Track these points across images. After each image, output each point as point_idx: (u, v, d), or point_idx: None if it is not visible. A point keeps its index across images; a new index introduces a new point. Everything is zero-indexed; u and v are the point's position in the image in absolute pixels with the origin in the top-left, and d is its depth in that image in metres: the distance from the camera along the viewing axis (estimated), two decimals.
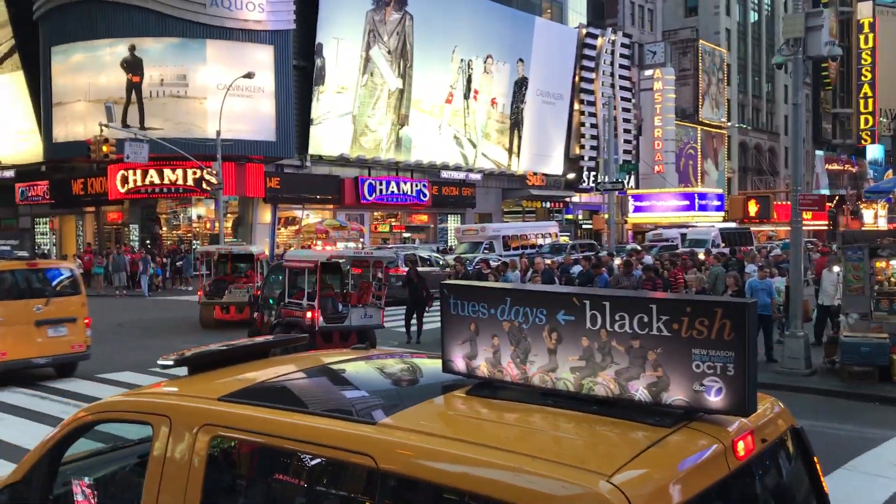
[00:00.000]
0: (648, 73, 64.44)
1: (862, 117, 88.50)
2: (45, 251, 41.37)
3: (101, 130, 29.91)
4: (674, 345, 3.01)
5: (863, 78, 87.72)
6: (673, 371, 3.03)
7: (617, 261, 22.82)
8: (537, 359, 3.33)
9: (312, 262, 15.46)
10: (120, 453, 4.57)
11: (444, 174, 47.85)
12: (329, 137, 41.59)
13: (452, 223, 49.83)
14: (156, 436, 3.49)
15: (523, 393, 3.35)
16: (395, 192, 44.37)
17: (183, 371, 4.10)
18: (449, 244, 46.62)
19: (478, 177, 49.98)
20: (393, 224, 47.32)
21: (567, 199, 57.88)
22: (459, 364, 3.58)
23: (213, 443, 3.40)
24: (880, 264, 13.32)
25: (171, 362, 3.96)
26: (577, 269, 19.51)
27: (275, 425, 3.25)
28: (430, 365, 4.27)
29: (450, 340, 3.60)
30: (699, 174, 69.37)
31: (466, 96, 48.65)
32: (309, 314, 15.16)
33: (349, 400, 3.71)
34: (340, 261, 15.76)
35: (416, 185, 45.54)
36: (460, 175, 48.83)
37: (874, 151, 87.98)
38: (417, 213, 48.44)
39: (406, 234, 47.25)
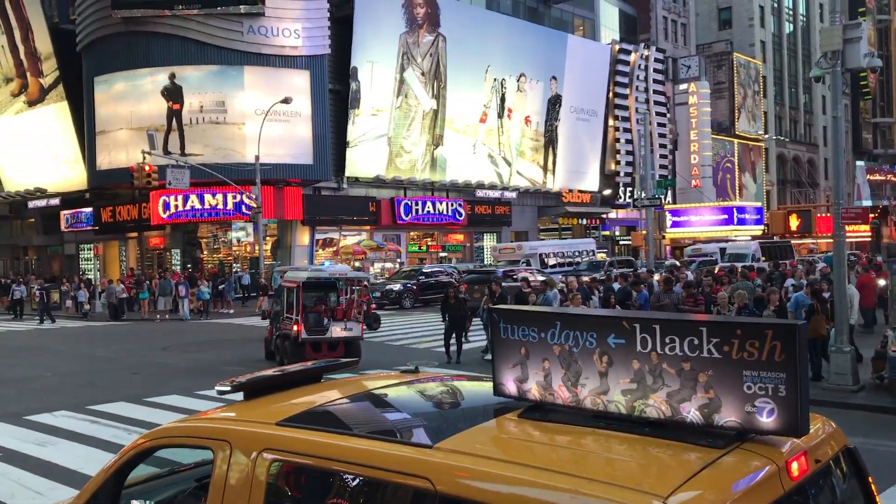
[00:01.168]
0: (683, 87, 64.10)
1: None
2: (90, 277, 42.22)
3: (144, 158, 30.58)
4: (725, 367, 3.05)
5: None
6: (724, 393, 3.06)
7: (656, 277, 22.69)
8: (588, 382, 3.38)
9: (295, 282, 17.38)
10: (178, 477, 4.69)
11: (480, 193, 47.98)
12: (365, 159, 41.98)
13: (488, 242, 49.87)
14: (216, 460, 3.59)
15: (575, 416, 3.40)
16: (431, 211, 44.58)
17: (238, 396, 4.21)
18: (485, 262, 46.64)
19: (513, 195, 50.02)
20: (429, 244, 47.49)
21: (604, 216, 57.62)
22: (510, 387, 3.63)
23: (273, 467, 3.49)
24: None
25: (227, 388, 4.08)
26: (615, 286, 19.42)
27: (333, 449, 3.34)
28: (477, 388, 4.33)
29: (501, 364, 3.66)
30: (737, 188, 68.63)
31: (500, 115, 48.83)
32: (294, 327, 17.03)
33: (403, 423, 3.78)
34: (321, 278, 17.77)
35: (452, 205, 45.71)
36: (495, 194, 48.92)
37: None
38: (453, 233, 48.57)
39: (442, 254, 47.38)
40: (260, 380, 4.26)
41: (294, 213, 39.26)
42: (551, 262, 39.62)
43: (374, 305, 24.85)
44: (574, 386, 3.42)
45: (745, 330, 3.02)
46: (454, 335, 17.57)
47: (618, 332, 3.31)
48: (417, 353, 19.09)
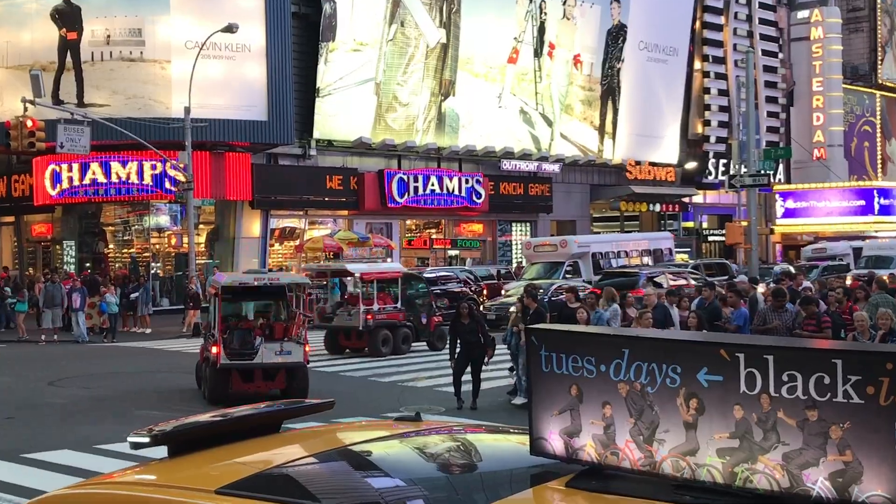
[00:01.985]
0: (803, 15, 64.11)
1: None
2: None
3: (25, 109, 30.68)
4: (869, 417, 3.03)
5: None
6: (867, 455, 3.04)
7: (761, 288, 22.60)
8: (669, 436, 3.36)
9: (214, 288, 18.30)
10: None
11: (507, 165, 48.00)
12: (343, 115, 42.04)
13: (519, 235, 49.89)
14: None
15: (649, 485, 3.38)
16: (437, 191, 44.64)
17: (160, 452, 4.20)
18: (514, 264, 46.66)
19: (555, 168, 50.06)
20: (434, 237, 47.53)
21: (686, 200, 57.63)
22: (555, 443, 3.62)
23: None
24: None
25: (145, 439, 4.07)
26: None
27: None
28: (504, 444, 4.31)
29: (541, 409, 3.65)
30: (879, 161, 68.54)
31: (538, 53, 48.81)
32: (213, 349, 17.94)
33: (395, 495, 3.77)
34: (242, 283, 18.92)
35: (467, 182, 45.77)
36: (530, 166, 48.95)
37: None
38: (468, 221, 48.58)
39: (453, 251, 47.43)
40: (192, 428, 4.25)
41: (240, 191, 39.38)
42: (622, 261, 39.77)
43: (439, 317, 25.80)
44: (648, 442, 3.41)
45: None
46: (469, 369, 17.58)
47: (713, 364, 3.30)
48: (415, 394, 19.08)
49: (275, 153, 41.10)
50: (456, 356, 17.58)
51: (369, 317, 24.87)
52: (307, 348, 18.59)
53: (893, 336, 13.52)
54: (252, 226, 40.91)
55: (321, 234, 42.12)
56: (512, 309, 20.84)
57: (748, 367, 3.20)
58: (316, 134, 41.51)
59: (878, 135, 68.71)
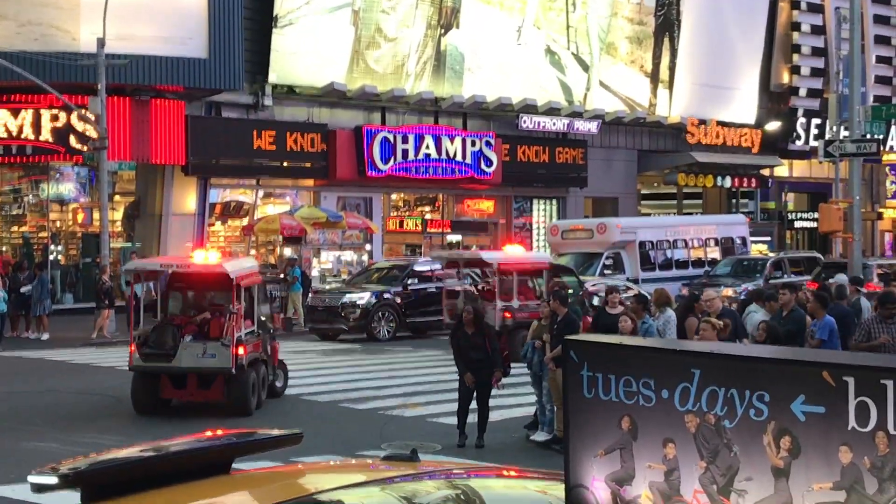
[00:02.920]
0: None
1: None
2: None
3: None
4: None
5: None
6: None
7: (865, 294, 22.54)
8: (752, 486, 3.38)
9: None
10: None
11: (526, 122, 47.92)
12: (309, 52, 41.96)
13: (543, 216, 49.87)
14: None
15: None
16: (433, 155, 44.59)
17: (71, 498, 4.21)
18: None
19: (592, 127, 50.03)
20: (428, 217, 47.48)
21: (765, 172, 57.60)
22: (599, 493, 3.64)
23: None
24: None
25: (51, 480, 4.08)
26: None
27: None
28: (520, 492, 4.34)
29: (581, 448, 3.66)
30: None
31: None
32: (130, 347, 19.84)
33: None
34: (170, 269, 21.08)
35: (473, 144, 45.73)
36: (558, 124, 48.91)
37: None
38: (474, 198, 48.52)
39: (454, 236, 47.35)
40: (112, 467, 4.26)
41: (170, 153, 39.39)
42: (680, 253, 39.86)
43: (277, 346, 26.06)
44: (725, 493, 3.43)
45: None
46: (475, 395, 17.56)
47: (813, 391, 3.32)
48: (404, 426, 19.10)
49: (217, 102, 40.97)
50: (460, 379, 17.56)
51: (506, 315, 25.54)
52: (239, 351, 19.42)
53: None
54: (185, 199, 40.83)
55: (278, 210, 42.03)
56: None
57: (860, 395, 3.21)
58: (272, 77, 41.36)
59: None
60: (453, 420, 17.80)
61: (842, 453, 3.25)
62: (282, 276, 36.61)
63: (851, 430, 3.24)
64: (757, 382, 3.38)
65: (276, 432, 4.89)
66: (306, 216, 39.08)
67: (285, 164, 41.99)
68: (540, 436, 17.18)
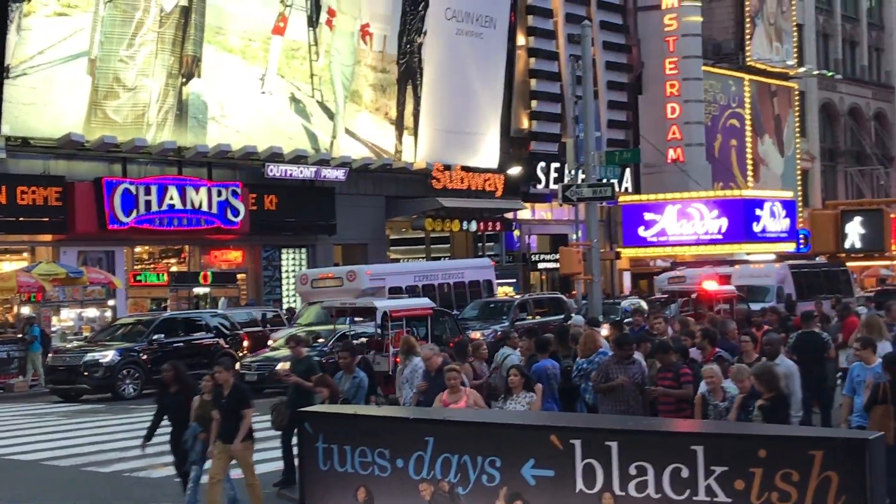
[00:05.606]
0: None
1: None
2: None
3: None
4: None
5: None
6: None
7: (605, 331, 23.08)
8: None
9: None
10: None
11: (274, 171, 47.60)
12: (44, 102, 40.98)
13: (292, 265, 49.63)
14: None
15: None
16: (178, 206, 43.89)
17: None
18: (285, 305, 46.30)
19: (339, 175, 50.00)
20: (175, 269, 46.73)
21: (509, 216, 58.52)
22: None
23: None
24: None
25: None
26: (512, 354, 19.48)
27: None
28: None
29: None
30: (749, 164, 71.33)
31: (314, 22, 48.74)
32: None
33: None
34: None
35: (219, 194, 45.22)
36: (305, 172, 48.72)
37: None
38: (222, 248, 47.99)
39: (200, 289, 46.69)
40: None
41: None
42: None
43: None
44: None
45: (773, 449, 3.09)
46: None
47: (542, 454, 3.33)
48: (153, 487, 18.82)
49: None
50: (170, 440, 17.05)
51: (398, 360, 25.53)
52: None
53: (754, 399, 13.79)
54: None
55: (14, 267, 40.82)
56: (280, 366, 20.67)
57: (587, 457, 3.24)
58: (5, 129, 40.09)
59: (748, 131, 71.19)
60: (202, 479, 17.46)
61: None
62: (20, 335, 35.56)
63: (579, 493, 3.28)
64: (489, 448, 3.39)
65: None
66: (45, 272, 38.00)
67: (20, 219, 40.67)
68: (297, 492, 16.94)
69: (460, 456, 3.42)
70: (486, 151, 56.66)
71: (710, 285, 37.23)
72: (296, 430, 14.61)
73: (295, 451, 16.15)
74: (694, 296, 35.95)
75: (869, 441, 3.07)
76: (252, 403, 15.65)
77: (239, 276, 48.18)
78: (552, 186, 57.02)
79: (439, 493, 3.46)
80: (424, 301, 32.00)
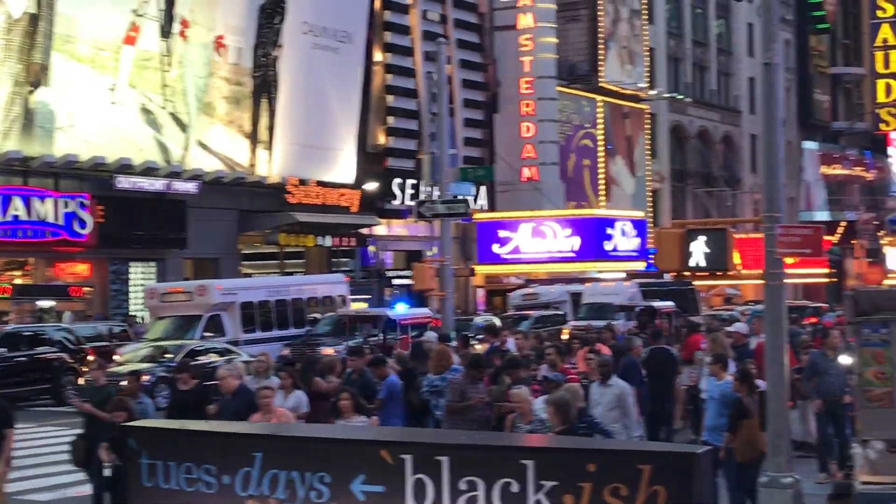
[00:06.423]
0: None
1: (881, 83, 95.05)
2: None
3: None
4: None
5: (881, 13, 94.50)
6: None
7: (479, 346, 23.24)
8: None
9: None
10: None
11: (124, 183, 46.93)
12: None
13: (141, 279, 48.98)
14: None
15: None
16: (22, 217, 43.10)
17: None
18: (135, 319, 45.75)
19: (191, 187, 49.48)
20: (17, 281, 45.83)
21: (365, 232, 58.50)
22: None
23: None
24: None
25: None
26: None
27: None
28: None
29: None
30: (602, 183, 72.20)
31: (167, 33, 48.25)
32: None
33: None
34: None
35: (66, 205, 44.47)
36: (156, 185, 48.13)
37: None
38: (68, 261, 47.18)
39: (45, 303, 45.77)
40: None
41: None
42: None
43: None
44: None
45: (603, 463, 3.09)
46: None
47: (373, 470, 3.30)
48: None
49: None
50: None
51: None
52: None
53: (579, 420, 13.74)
54: None
55: None
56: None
57: (417, 472, 3.21)
58: None
59: (601, 151, 71.98)
60: (46, 496, 17.21)
61: None
62: None
63: None
64: (318, 463, 3.35)
65: None
66: None
67: None
68: None
69: (289, 472, 3.37)
70: (342, 167, 56.60)
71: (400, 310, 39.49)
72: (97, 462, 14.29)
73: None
74: None
75: (696, 455, 3.08)
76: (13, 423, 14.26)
77: (85, 289, 47.29)
78: (408, 203, 57.20)
79: None
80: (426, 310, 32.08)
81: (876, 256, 75.49)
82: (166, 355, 31.42)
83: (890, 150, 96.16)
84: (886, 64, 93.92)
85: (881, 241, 74.00)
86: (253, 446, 3.47)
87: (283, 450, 3.43)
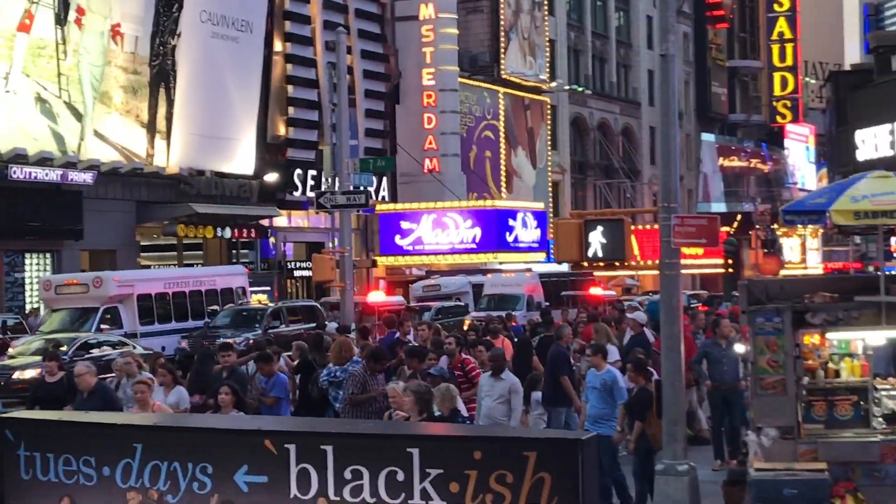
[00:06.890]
0: None
1: (777, 76, 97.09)
2: None
3: None
4: None
5: (777, 7, 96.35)
6: None
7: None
8: None
9: None
10: None
11: (18, 173, 46.22)
12: None
13: (36, 271, 48.37)
14: None
15: None
16: None
17: None
18: (28, 311, 45.21)
19: (87, 178, 48.91)
20: None
21: (265, 223, 58.24)
22: None
23: None
24: (810, 339, 14.49)
25: None
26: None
27: None
28: None
29: None
30: (503, 175, 72.59)
31: (62, 20, 47.65)
32: None
33: None
34: None
35: None
36: (51, 175, 47.51)
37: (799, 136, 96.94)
38: None
39: None
40: None
41: None
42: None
43: None
44: None
45: (488, 450, 3.07)
46: None
47: (256, 460, 3.26)
48: None
49: None
50: None
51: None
52: None
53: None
54: None
55: None
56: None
57: (301, 461, 3.18)
58: None
59: (502, 142, 72.33)
60: None
61: None
62: None
63: (294, 498, 3.22)
64: (200, 454, 3.30)
65: None
66: None
67: None
68: None
69: (170, 463, 3.31)
70: (242, 157, 56.27)
71: (376, 296, 40.10)
72: None
73: None
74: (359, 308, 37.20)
75: (581, 441, 3.07)
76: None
77: None
78: (309, 194, 56.90)
79: (148, 501, 3.33)
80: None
81: (772, 247, 76.66)
82: (60, 348, 31.04)
83: (786, 143, 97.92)
84: (783, 57, 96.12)
85: (777, 233, 75.12)
86: (133, 437, 3.40)
87: (164, 441, 3.37)
